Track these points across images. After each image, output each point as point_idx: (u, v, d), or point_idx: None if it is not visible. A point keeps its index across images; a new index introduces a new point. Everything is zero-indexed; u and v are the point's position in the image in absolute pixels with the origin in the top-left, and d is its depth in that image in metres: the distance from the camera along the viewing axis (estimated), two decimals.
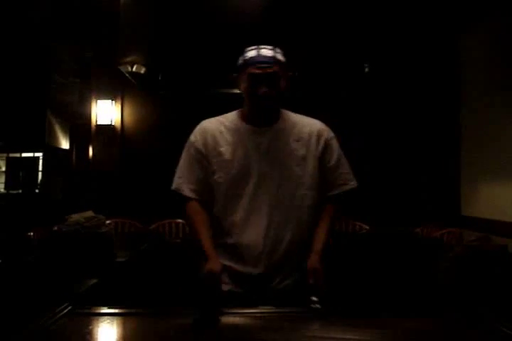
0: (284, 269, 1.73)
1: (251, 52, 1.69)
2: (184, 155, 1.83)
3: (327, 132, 1.82)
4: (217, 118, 1.86)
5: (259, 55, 1.67)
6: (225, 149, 1.76)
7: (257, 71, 1.66)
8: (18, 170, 5.86)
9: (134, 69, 4.59)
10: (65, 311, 1.44)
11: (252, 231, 1.71)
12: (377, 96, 4.90)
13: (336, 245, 3.33)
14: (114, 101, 4.98)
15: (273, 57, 1.67)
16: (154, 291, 2.98)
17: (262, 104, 1.72)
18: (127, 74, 4.66)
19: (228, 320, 1.44)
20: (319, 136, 1.79)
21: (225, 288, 1.68)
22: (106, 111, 4.95)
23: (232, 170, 1.74)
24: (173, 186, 1.81)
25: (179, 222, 4.39)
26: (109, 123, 4.96)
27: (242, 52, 1.74)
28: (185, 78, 4.89)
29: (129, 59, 4.55)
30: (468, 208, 4.73)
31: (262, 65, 1.66)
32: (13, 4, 4.33)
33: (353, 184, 1.83)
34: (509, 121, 4.01)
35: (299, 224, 1.74)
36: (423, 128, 4.87)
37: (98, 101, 4.98)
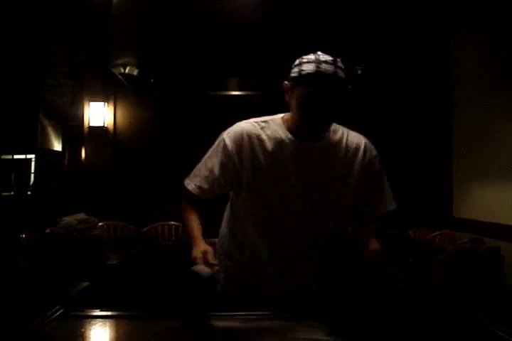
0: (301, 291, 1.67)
1: (309, 66, 1.41)
2: (211, 155, 1.62)
3: (371, 150, 1.64)
4: (258, 121, 1.62)
5: (318, 72, 1.39)
6: (263, 161, 1.55)
7: (314, 92, 1.41)
8: (10, 172, 5.82)
9: (126, 71, 4.58)
10: (57, 314, 1.43)
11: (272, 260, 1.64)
12: (370, 99, 4.91)
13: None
14: (106, 103, 4.97)
15: (334, 75, 1.40)
16: (146, 294, 2.97)
17: (312, 128, 1.51)
18: (120, 76, 4.65)
19: (222, 322, 1.44)
20: (364, 154, 1.61)
21: (218, 287, 1.63)
22: (98, 113, 4.95)
23: (267, 185, 1.56)
24: (185, 181, 1.65)
25: (171, 225, 4.37)
26: (102, 125, 4.95)
27: (298, 60, 1.47)
28: (177, 80, 4.88)
29: (121, 61, 4.54)
30: (460, 210, 4.75)
31: (321, 85, 1.40)
32: (5, 6, 4.31)
33: (393, 205, 1.73)
34: (501, 123, 4.04)
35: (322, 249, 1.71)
36: (415, 130, 4.89)
37: (91, 103, 4.98)
